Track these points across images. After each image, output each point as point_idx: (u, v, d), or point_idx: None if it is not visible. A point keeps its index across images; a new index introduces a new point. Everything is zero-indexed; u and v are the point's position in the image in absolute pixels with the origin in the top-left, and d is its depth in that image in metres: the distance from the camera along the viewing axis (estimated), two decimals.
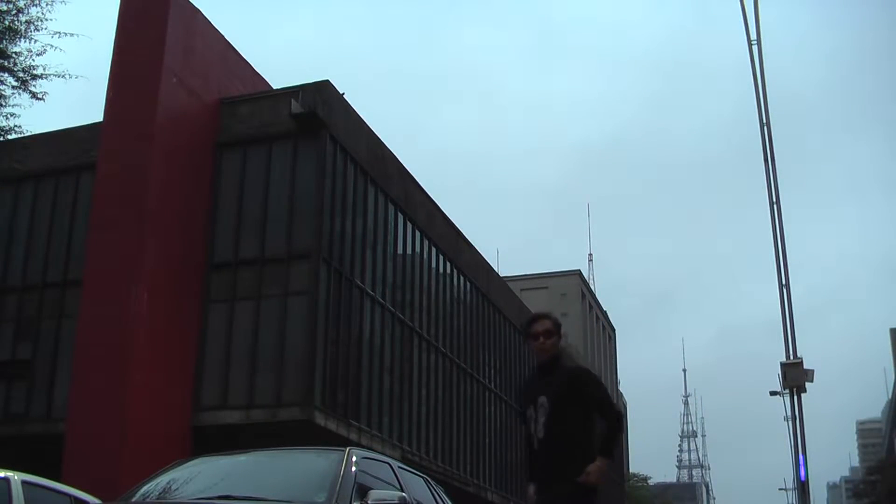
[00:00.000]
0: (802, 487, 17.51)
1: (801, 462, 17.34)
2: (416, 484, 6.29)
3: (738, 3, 19.08)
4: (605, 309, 69.72)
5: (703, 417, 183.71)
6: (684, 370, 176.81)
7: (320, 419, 18.23)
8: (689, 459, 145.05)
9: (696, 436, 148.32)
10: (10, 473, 6.06)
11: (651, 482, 74.68)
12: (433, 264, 25.86)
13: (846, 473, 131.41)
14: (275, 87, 22.32)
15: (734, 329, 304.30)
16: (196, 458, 6.26)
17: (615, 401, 5.53)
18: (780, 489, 48.27)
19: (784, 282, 17.63)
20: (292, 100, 19.67)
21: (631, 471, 65.44)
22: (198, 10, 20.51)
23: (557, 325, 5.08)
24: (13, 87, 14.75)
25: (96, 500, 6.91)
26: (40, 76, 14.73)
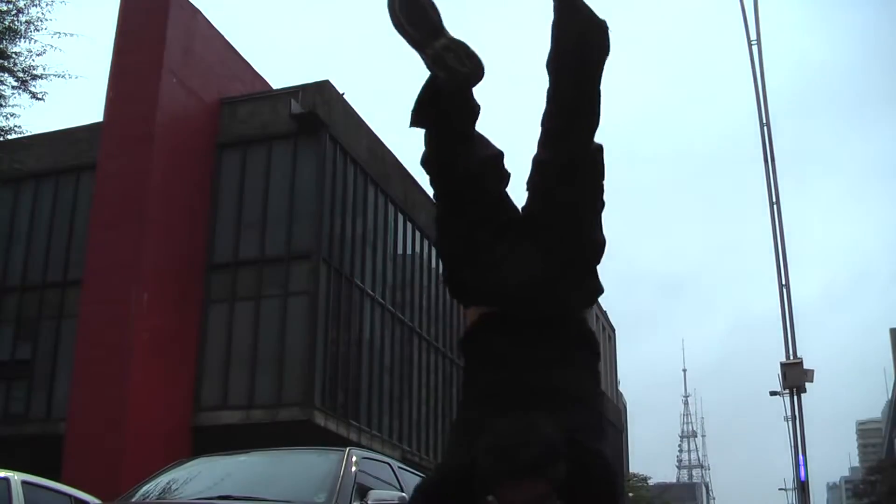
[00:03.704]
0: (802, 487, 17.51)
1: (801, 462, 17.34)
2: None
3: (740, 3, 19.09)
4: (604, 309, 69.79)
5: (703, 417, 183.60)
6: (684, 370, 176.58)
7: (320, 419, 18.24)
8: (689, 459, 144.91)
9: (696, 436, 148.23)
10: (10, 473, 6.06)
11: (651, 482, 74.55)
12: (433, 264, 25.86)
13: (846, 473, 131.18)
14: (275, 87, 22.34)
15: (736, 329, 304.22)
16: (196, 458, 6.27)
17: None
18: (780, 489, 48.20)
19: (784, 282, 17.64)
20: (292, 100, 19.68)
21: (631, 471, 65.45)
22: (198, 10, 20.53)
23: (553, 478, 2.07)
24: (13, 87, 14.69)
25: (96, 500, 6.90)
26: (40, 76, 14.66)
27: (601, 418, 2.39)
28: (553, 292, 2.42)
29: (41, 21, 14.28)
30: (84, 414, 16.98)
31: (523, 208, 2.55)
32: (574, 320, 2.50)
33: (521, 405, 2.19)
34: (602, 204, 2.56)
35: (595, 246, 2.53)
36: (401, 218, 23.77)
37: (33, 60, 14.52)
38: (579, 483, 2.15)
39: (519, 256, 2.43)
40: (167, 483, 5.38)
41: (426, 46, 2.36)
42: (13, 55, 14.41)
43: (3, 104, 14.63)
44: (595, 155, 2.51)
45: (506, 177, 2.57)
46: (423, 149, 2.54)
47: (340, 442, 17.22)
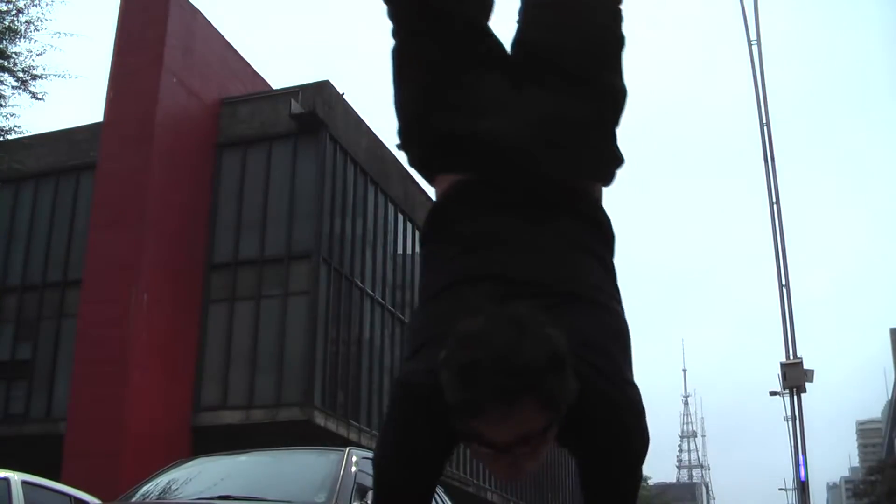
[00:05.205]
0: (802, 487, 17.52)
1: (801, 462, 17.34)
2: None
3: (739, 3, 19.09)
4: None
5: (703, 417, 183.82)
6: (684, 370, 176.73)
7: (320, 419, 18.23)
8: (689, 459, 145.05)
9: (696, 436, 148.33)
10: (10, 473, 6.05)
11: (651, 482, 74.70)
12: None
13: (846, 473, 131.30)
14: (275, 87, 22.35)
15: (736, 329, 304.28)
16: (196, 458, 6.26)
17: None
18: (780, 489, 48.16)
19: (784, 282, 17.64)
20: (292, 100, 19.67)
21: None
22: (198, 10, 20.53)
23: (553, 403, 1.42)
24: (13, 87, 14.70)
25: (96, 500, 6.90)
26: (40, 76, 14.67)
27: (622, 330, 1.73)
28: (552, 152, 1.75)
29: (41, 21, 14.28)
30: (84, 414, 16.97)
31: (515, 44, 1.91)
32: (579, 193, 1.81)
33: (497, 302, 1.52)
34: (622, 38, 1.90)
35: (613, 93, 1.86)
36: (401, 218, 23.77)
37: (33, 60, 14.52)
38: (582, 421, 1.55)
39: (507, 102, 1.78)
40: (167, 483, 5.38)
41: None
42: (13, 55, 14.41)
43: (3, 104, 14.63)
44: None
45: (488, 4, 1.92)
46: None
47: (340, 442, 17.22)
